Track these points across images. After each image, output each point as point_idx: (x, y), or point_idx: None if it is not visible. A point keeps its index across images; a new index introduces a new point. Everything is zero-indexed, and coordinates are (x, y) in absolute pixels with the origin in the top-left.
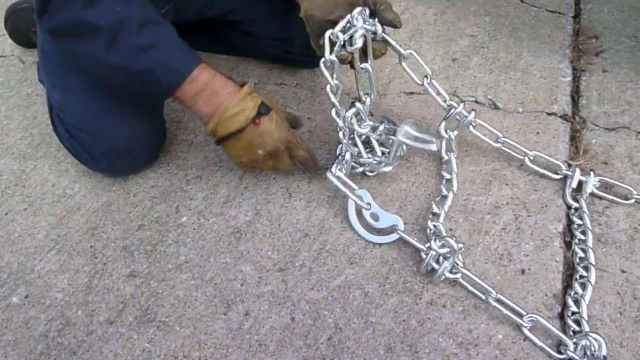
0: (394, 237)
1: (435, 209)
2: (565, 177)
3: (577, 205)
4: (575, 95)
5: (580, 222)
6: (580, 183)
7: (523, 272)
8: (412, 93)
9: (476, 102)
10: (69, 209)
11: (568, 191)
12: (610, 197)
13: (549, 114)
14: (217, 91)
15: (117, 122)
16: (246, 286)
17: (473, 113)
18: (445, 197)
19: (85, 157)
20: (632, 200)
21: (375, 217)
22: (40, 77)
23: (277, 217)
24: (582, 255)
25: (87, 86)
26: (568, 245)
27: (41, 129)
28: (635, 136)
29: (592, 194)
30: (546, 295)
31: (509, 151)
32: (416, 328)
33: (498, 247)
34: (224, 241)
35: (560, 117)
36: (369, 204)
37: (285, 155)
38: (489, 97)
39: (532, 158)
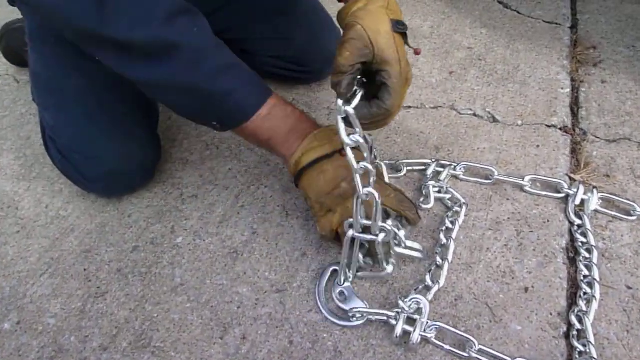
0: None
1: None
2: (568, 195)
3: (580, 222)
4: (575, 107)
5: (584, 239)
6: (582, 200)
7: (526, 290)
8: (409, 107)
9: (474, 115)
10: (63, 231)
11: (571, 209)
12: (613, 213)
13: (549, 127)
14: (300, 122)
15: (109, 143)
16: (243, 309)
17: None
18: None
19: (79, 179)
20: (635, 217)
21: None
22: (33, 97)
23: (274, 237)
24: (587, 272)
25: (79, 107)
26: (572, 261)
27: (35, 150)
28: (637, 148)
29: (595, 211)
30: (551, 314)
31: (506, 180)
32: (417, 350)
33: (500, 264)
34: (220, 262)
35: (560, 129)
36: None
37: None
38: (487, 110)
39: (528, 185)
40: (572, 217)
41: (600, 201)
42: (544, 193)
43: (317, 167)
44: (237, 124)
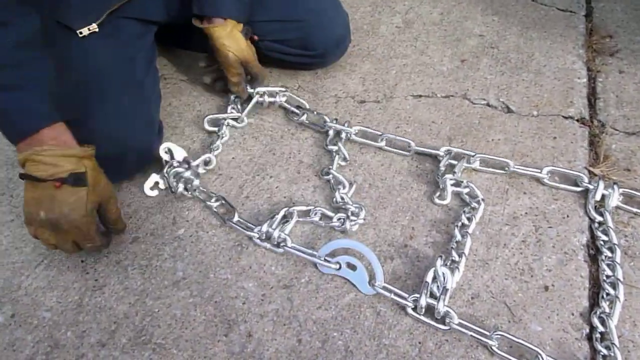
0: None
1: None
2: (587, 190)
3: (601, 219)
4: (592, 98)
5: (605, 237)
6: (603, 195)
7: (546, 288)
8: (420, 96)
9: (488, 105)
10: None
11: (591, 205)
12: (635, 209)
13: (566, 118)
14: (55, 138)
15: (103, 124)
16: (248, 305)
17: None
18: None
19: None
20: None
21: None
22: None
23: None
24: (609, 272)
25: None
26: (593, 258)
27: None
28: None
29: (616, 207)
30: (572, 314)
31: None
32: (433, 351)
33: (518, 261)
34: (224, 255)
35: (577, 120)
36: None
37: (70, 240)
38: (501, 99)
39: (546, 177)
40: (593, 213)
41: (622, 197)
42: (562, 186)
43: (28, 182)
44: (11, 142)
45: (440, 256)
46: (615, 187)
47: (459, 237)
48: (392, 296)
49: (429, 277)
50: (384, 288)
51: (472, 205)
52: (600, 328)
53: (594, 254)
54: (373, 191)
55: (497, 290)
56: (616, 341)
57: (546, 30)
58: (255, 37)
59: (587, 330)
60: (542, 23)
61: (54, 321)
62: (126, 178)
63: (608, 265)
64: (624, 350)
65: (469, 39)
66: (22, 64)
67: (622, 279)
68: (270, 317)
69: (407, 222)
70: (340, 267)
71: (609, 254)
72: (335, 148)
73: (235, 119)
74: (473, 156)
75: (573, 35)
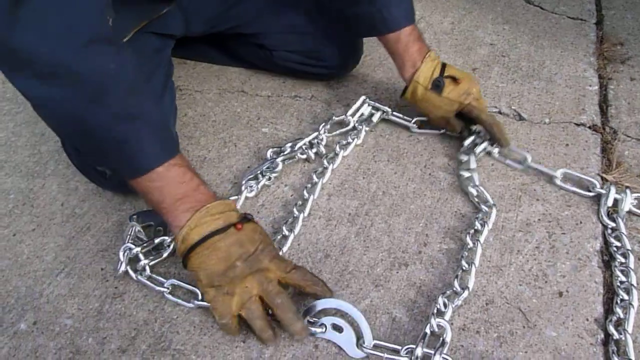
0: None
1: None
2: (599, 195)
3: (613, 225)
4: (604, 105)
5: (618, 243)
6: (615, 201)
7: (561, 294)
8: None
9: (500, 112)
10: (79, 229)
11: (603, 210)
12: None
13: (578, 125)
14: (195, 192)
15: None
16: None
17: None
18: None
19: (95, 176)
20: None
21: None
22: None
23: (296, 237)
24: (623, 278)
25: None
26: (606, 264)
27: (49, 146)
28: None
29: (629, 212)
30: (587, 320)
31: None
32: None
33: (532, 268)
34: None
35: (590, 127)
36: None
37: (274, 281)
38: (513, 107)
39: (559, 177)
40: (605, 219)
41: (636, 201)
42: (573, 189)
43: (207, 245)
44: (129, 176)
45: (443, 293)
46: (627, 191)
47: (470, 244)
48: (385, 357)
49: (428, 329)
50: (375, 347)
51: (484, 210)
52: (616, 335)
53: (607, 260)
54: (387, 198)
55: (512, 296)
56: (631, 348)
57: (557, 38)
58: None
59: (602, 336)
60: (553, 31)
61: (75, 328)
62: None
63: (622, 271)
64: (638, 356)
65: (480, 48)
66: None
67: (636, 285)
68: None
69: (421, 229)
70: (325, 330)
71: (623, 260)
72: None
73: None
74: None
75: (584, 43)
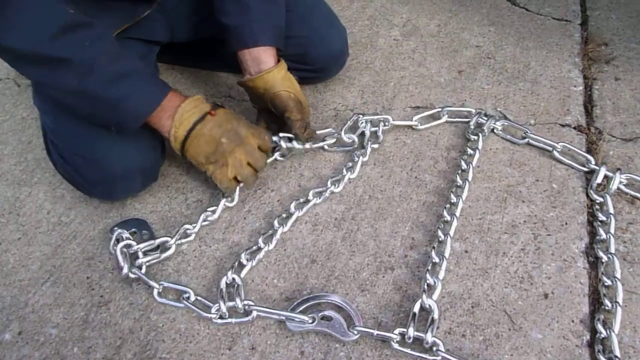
0: None
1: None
2: (592, 171)
3: (601, 200)
4: (589, 105)
5: (604, 236)
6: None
7: (546, 296)
8: (418, 107)
9: (485, 115)
10: (65, 238)
11: (593, 185)
12: (634, 193)
13: (563, 126)
14: (168, 101)
15: (110, 145)
16: None
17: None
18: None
19: (81, 183)
20: None
21: None
22: (34, 101)
23: (282, 242)
24: (608, 278)
25: None
26: (592, 265)
27: (36, 154)
28: None
29: (618, 190)
30: (572, 321)
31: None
32: None
33: (518, 270)
34: (226, 269)
35: (575, 128)
36: None
37: (255, 146)
38: (498, 109)
39: (559, 150)
40: (594, 195)
41: (625, 181)
42: (569, 162)
43: (194, 134)
44: (133, 126)
45: (424, 289)
46: (617, 173)
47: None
48: (376, 334)
49: (416, 308)
50: (366, 329)
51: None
52: (602, 335)
53: (593, 260)
54: (373, 202)
55: (497, 299)
56: (616, 347)
57: (542, 39)
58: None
59: (588, 337)
60: (538, 32)
61: (60, 337)
62: (132, 195)
63: (607, 271)
64: (624, 356)
65: (466, 50)
66: (127, 56)
67: (621, 285)
68: (273, 329)
69: (407, 232)
70: (314, 321)
71: (608, 259)
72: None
73: None
74: (497, 120)
75: (569, 44)
